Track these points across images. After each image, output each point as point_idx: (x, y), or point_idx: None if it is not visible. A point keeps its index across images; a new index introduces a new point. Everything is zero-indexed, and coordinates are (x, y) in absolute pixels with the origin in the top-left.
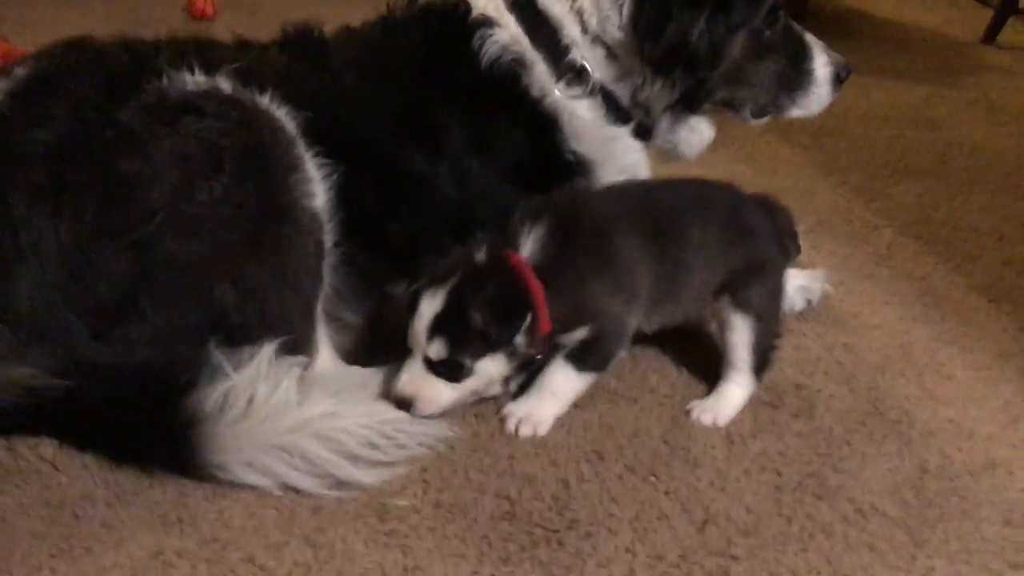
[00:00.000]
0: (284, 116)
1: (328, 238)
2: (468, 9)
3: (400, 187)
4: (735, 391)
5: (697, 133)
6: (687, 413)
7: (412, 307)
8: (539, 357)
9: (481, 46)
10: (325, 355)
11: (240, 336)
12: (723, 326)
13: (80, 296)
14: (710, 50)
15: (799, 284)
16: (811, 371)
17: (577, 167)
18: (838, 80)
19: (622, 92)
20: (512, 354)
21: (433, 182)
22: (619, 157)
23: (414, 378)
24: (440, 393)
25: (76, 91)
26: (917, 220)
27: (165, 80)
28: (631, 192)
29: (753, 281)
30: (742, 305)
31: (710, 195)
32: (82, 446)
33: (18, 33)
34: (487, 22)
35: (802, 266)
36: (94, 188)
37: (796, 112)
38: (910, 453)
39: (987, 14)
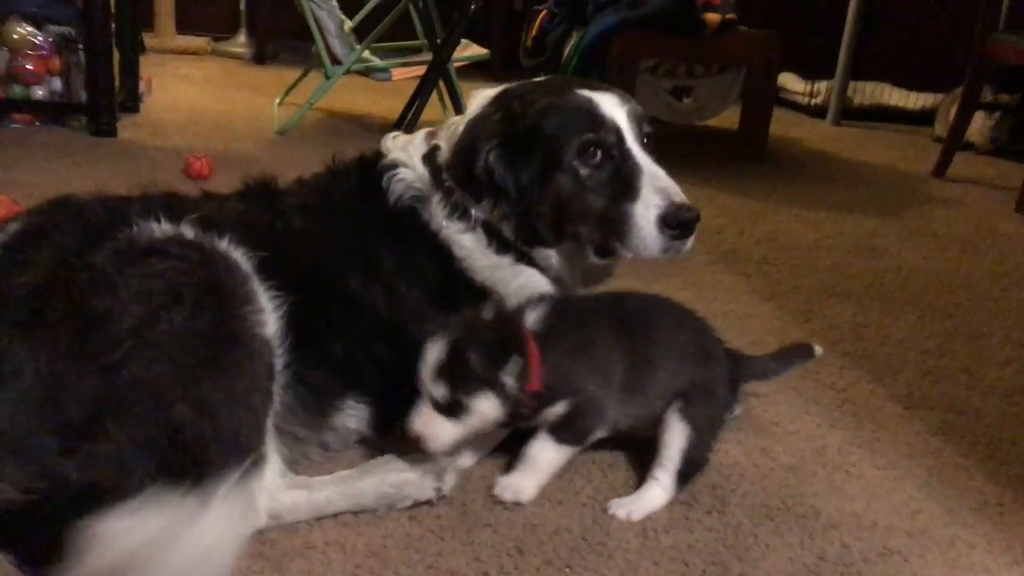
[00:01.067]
0: (240, 256)
1: (279, 361)
2: (382, 156)
3: (341, 310)
4: (655, 491)
5: (552, 266)
6: (606, 510)
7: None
8: (528, 415)
9: (388, 186)
10: (273, 466)
11: (193, 448)
12: (663, 428)
13: (52, 416)
14: (513, 184)
15: None
16: (728, 473)
17: (481, 291)
18: (665, 225)
19: (502, 226)
20: (504, 396)
21: (368, 304)
22: (508, 282)
23: (423, 417)
24: (445, 430)
25: (57, 240)
26: (847, 338)
27: (135, 229)
28: (608, 298)
29: (702, 400)
30: (685, 414)
31: (680, 314)
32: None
33: (29, 196)
34: (394, 165)
35: None
36: (69, 322)
37: (627, 254)
38: (812, 543)
39: (939, 149)
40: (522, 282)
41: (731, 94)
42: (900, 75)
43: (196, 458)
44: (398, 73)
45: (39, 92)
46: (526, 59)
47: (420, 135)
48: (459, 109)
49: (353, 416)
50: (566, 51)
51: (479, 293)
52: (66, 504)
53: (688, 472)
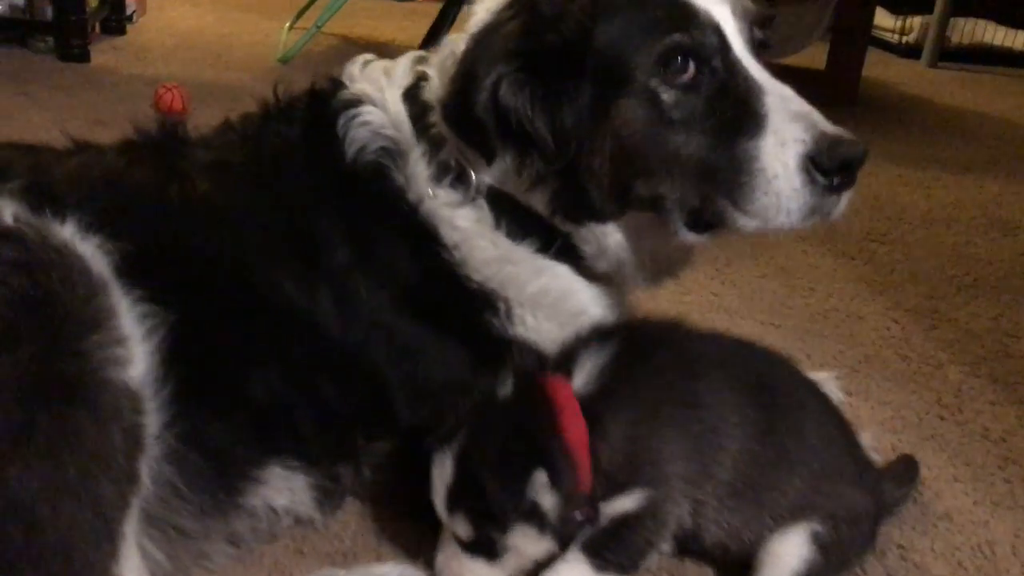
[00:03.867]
0: (91, 250)
1: (153, 419)
2: (341, 87)
3: (265, 325)
4: None
5: (606, 247)
6: None
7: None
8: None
9: (346, 133)
10: None
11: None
12: (771, 545)
13: None
14: (547, 125)
15: None
16: None
17: (480, 298)
18: (821, 172)
19: (527, 196)
20: (543, 524)
21: (308, 313)
22: (524, 285)
23: (450, 559)
24: (484, 575)
25: None
26: (992, 354)
27: None
28: (734, 344)
29: (843, 531)
30: (817, 540)
31: (827, 398)
32: None
33: None
34: (356, 101)
35: None
36: None
37: (748, 224)
38: None
39: None
40: (544, 285)
41: (818, 26)
42: (1004, 10)
43: None
44: None
45: None
46: None
47: (404, 61)
48: None
49: (283, 490)
50: None
51: (477, 300)
52: None
53: None
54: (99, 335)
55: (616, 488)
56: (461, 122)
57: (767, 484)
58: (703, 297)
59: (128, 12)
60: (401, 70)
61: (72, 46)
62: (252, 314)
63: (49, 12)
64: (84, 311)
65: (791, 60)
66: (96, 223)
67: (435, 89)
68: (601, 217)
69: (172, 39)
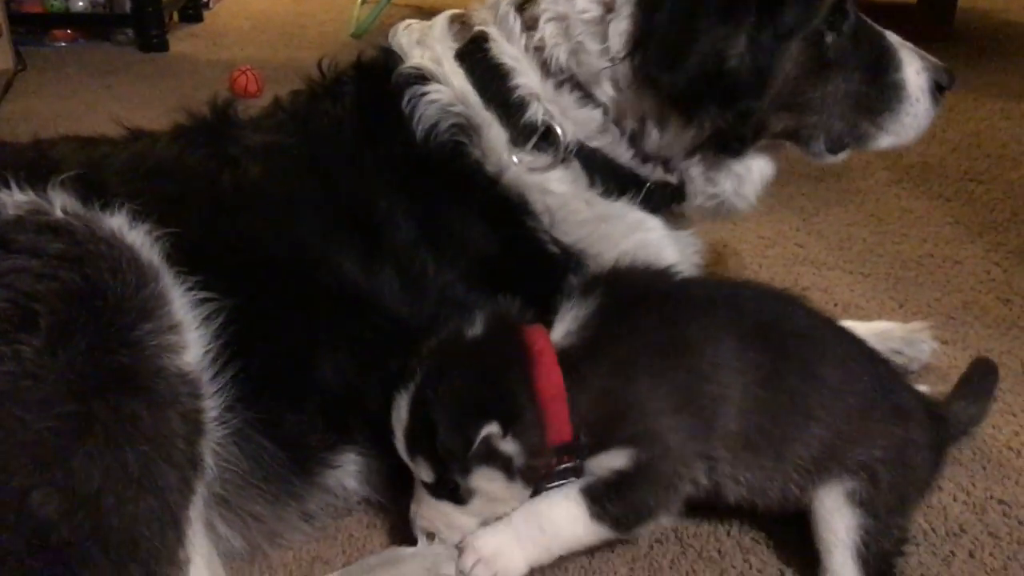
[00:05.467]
0: (140, 239)
1: (213, 403)
2: (397, 62)
3: (328, 309)
4: None
5: (749, 179)
6: None
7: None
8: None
9: (413, 111)
10: (200, 572)
11: (71, 559)
12: (819, 518)
13: None
14: (754, 72)
15: None
16: (949, 549)
17: (566, 262)
18: (939, 90)
19: (616, 148)
20: (510, 469)
21: (373, 294)
22: (618, 241)
23: (422, 505)
24: (454, 519)
25: None
26: None
27: None
28: (733, 286)
29: (887, 477)
30: (856, 499)
31: (852, 338)
32: None
33: (43, 129)
34: (419, 77)
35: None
36: None
37: (886, 141)
38: None
39: None
40: (639, 240)
41: None
42: None
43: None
44: None
45: (80, 3)
46: None
47: (440, 23)
48: None
49: (353, 472)
50: None
51: (561, 264)
52: None
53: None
54: (151, 323)
55: (599, 443)
56: (690, 75)
57: (784, 434)
58: (787, 250)
59: None
60: (440, 32)
61: (151, 36)
62: (313, 298)
63: (128, 5)
64: (135, 300)
65: None
66: (145, 212)
67: (507, 48)
68: (739, 153)
69: (247, 22)
